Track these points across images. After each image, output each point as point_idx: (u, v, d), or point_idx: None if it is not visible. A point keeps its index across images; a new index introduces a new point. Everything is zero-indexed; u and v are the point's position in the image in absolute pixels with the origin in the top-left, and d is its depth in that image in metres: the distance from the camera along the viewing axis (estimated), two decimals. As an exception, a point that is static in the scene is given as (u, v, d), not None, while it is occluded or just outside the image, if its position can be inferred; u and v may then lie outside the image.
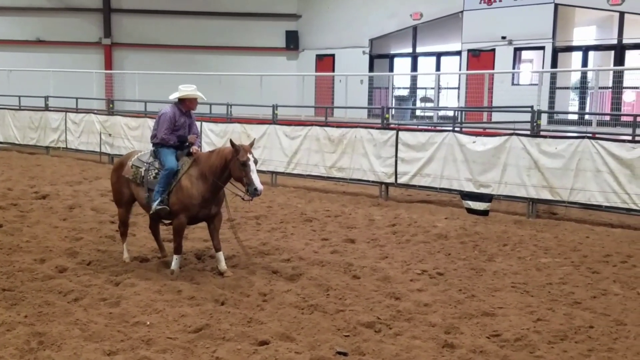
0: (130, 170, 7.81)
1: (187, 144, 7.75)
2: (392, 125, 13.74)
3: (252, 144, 7.51)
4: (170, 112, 7.74)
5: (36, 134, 19.87)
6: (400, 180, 12.81)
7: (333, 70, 27.55)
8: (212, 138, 15.61)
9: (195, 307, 6.13)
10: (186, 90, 7.82)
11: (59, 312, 5.86)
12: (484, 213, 11.27)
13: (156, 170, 7.60)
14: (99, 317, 5.82)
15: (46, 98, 20.31)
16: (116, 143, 17.67)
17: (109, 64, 30.15)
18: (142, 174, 7.69)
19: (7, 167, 16.23)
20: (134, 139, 17.25)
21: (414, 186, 12.84)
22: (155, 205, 7.43)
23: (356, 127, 13.74)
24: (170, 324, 5.70)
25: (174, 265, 7.35)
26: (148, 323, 5.68)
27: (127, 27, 30.45)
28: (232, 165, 7.19)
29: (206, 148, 15.61)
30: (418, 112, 24.29)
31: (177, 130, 7.72)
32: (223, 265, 7.44)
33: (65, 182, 13.94)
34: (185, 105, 7.85)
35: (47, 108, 20.08)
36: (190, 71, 26.63)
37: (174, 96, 7.86)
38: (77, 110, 19.80)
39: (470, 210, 11.40)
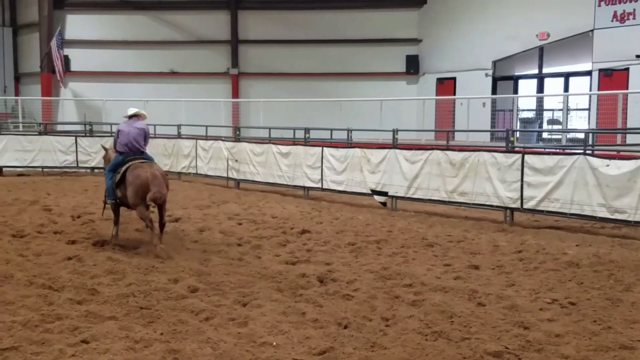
0: None
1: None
2: (517, 149, 13.36)
3: None
4: None
5: (169, 160, 20.96)
6: (527, 205, 12.38)
7: (454, 94, 27.22)
8: (332, 163, 15.82)
9: (319, 330, 6.20)
10: (136, 108, 10.82)
11: (191, 331, 6.09)
12: (384, 204, 14.76)
13: None
14: (229, 336, 6.00)
15: (179, 126, 21.44)
16: (242, 168, 18.32)
17: (235, 93, 31.49)
18: None
19: (143, 192, 17.18)
20: (258, 164, 17.81)
21: (541, 211, 12.35)
22: None
23: (479, 150, 13.46)
24: (296, 346, 5.79)
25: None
26: (274, 344, 5.80)
27: (252, 57, 31.73)
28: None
29: (327, 172, 15.92)
30: (545, 135, 23.49)
31: None
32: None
33: (195, 206, 14.59)
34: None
35: (179, 136, 21.18)
36: (312, 98, 27.30)
37: (132, 112, 10.60)
38: (206, 138, 20.70)
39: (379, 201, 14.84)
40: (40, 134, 23.08)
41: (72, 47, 31.44)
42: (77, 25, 31.86)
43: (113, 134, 22.78)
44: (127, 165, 10.03)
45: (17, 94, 33.70)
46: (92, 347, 5.61)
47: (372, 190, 14.96)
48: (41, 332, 5.99)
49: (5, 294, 7.19)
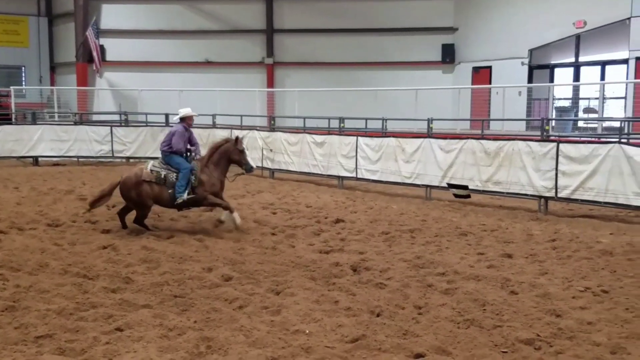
0: (151, 174, 10.31)
1: (191, 153, 10.77)
2: (552, 138, 13.24)
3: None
4: (181, 129, 10.77)
5: (204, 150, 21.10)
6: (561, 194, 12.28)
7: (490, 83, 26.95)
8: (367, 152, 15.85)
9: (352, 318, 6.27)
10: (185, 111, 10.97)
11: (225, 319, 6.20)
12: (467, 196, 13.89)
13: (176, 173, 10.37)
14: (262, 324, 6.10)
15: (214, 116, 21.60)
16: (277, 158, 18.44)
17: (270, 82, 31.61)
18: (164, 176, 10.31)
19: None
20: (293, 154, 17.91)
21: (575, 200, 12.27)
22: (185, 196, 10.27)
23: (514, 139, 13.36)
24: (328, 334, 5.86)
25: (236, 219, 10.37)
26: (307, 331, 5.88)
27: (287, 47, 31.80)
28: (232, 153, 10.76)
29: (362, 162, 15.96)
30: (580, 124, 23.18)
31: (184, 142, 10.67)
32: (236, 219, 10.41)
33: (230, 196, 14.69)
34: (187, 122, 10.93)
35: (214, 125, 21.34)
36: (347, 87, 27.27)
37: (177, 118, 10.96)
38: (241, 127, 20.85)
39: (457, 195, 13.99)
40: (75, 123, 23.44)
41: (108, 36, 31.80)
42: (112, 14, 32.23)
43: (149, 124, 23.40)
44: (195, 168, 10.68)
45: (52, 83, 34.22)
46: (126, 335, 5.70)
47: (448, 184, 14.13)
48: (75, 320, 6.09)
49: (40, 282, 7.30)
